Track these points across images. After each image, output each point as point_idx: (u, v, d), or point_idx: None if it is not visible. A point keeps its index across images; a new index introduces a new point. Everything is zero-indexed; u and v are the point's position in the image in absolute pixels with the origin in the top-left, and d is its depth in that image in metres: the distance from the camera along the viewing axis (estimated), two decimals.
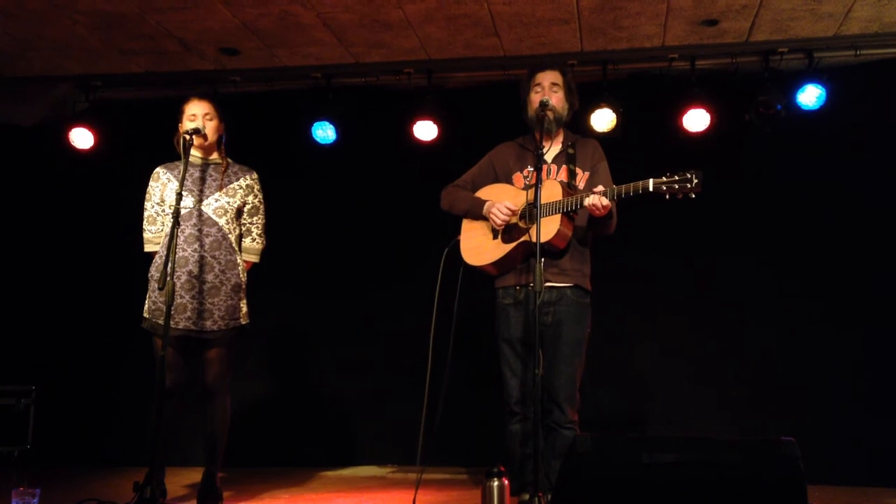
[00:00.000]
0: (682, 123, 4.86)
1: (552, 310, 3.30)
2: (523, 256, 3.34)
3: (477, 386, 4.35)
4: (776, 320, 4.90)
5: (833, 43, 4.73)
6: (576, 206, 3.19)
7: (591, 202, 3.13)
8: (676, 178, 3.03)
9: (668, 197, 3.05)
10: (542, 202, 3.14)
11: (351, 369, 5.36)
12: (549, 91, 3.45)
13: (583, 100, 3.70)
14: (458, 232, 3.55)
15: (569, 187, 3.32)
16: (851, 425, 4.66)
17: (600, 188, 3.16)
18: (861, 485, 4.43)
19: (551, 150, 3.48)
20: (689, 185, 3.01)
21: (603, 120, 4.87)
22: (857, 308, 4.81)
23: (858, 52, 4.75)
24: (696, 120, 4.84)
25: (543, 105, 3.32)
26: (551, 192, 3.24)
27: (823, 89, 4.74)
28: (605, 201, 3.13)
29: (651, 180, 3.07)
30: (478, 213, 3.45)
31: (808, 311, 4.87)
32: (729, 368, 4.89)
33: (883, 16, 4.46)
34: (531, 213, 3.20)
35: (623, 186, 3.13)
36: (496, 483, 3.04)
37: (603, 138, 3.92)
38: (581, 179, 3.41)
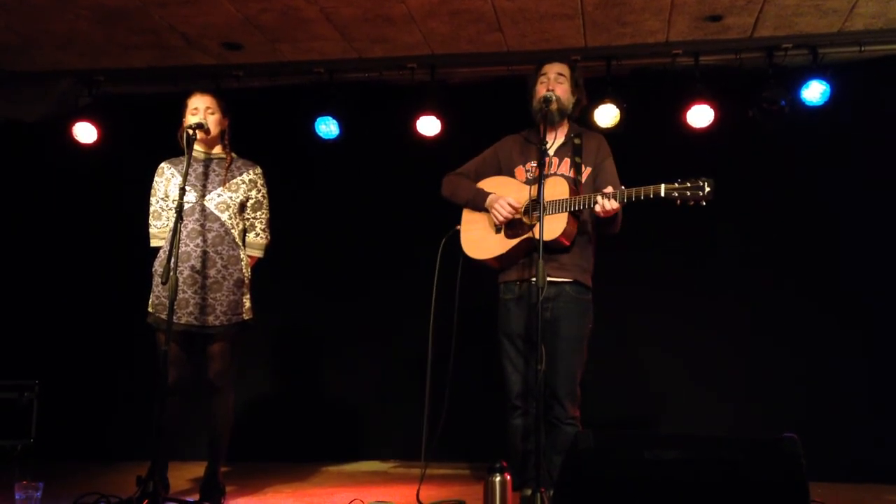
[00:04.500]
0: (685, 119, 4.85)
1: (551, 306, 3.27)
2: (526, 252, 3.33)
3: (479, 381, 4.36)
4: (778, 317, 4.89)
5: (837, 39, 4.72)
6: (583, 206, 3.18)
7: (599, 207, 3.12)
8: (688, 184, 3.01)
9: (678, 203, 3.04)
10: (549, 199, 3.13)
11: (353, 364, 5.37)
12: (553, 82, 3.42)
13: (586, 95, 3.68)
14: (460, 223, 3.54)
15: (574, 183, 3.30)
16: (853, 422, 4.66)
17: (609, 189, 3.14)
18: (863, 481, 4.43)
19: (555, 143, 3.46)
20: (700, 193, 3.00)
21: (606, 115, 4.86)
22: (859, 304, 4.80)
23: (863, 48, 4.73)
24: (700, 116, 4.83)
25: (547, 100, 3.31)
26: (557, 189, 3.22)
27: (827, 85, 4.72)
28: (614, 204, 3.11)
29: (663, 186, 3.04)
30: (480, 204, 3.44)
31: (811, 307, 4.86)
32: (730, 365, 4.89)
33: (888, 11, 4.45)
34: (536, 209, 3.18)
35: (634, 190, 3.10)
36: (498, 478, 3.04)
37: (606, 134, 3.91)
38: (584, 175, 3.39)
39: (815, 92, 4.75)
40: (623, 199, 3.11)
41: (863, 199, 4.88)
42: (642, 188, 3.08)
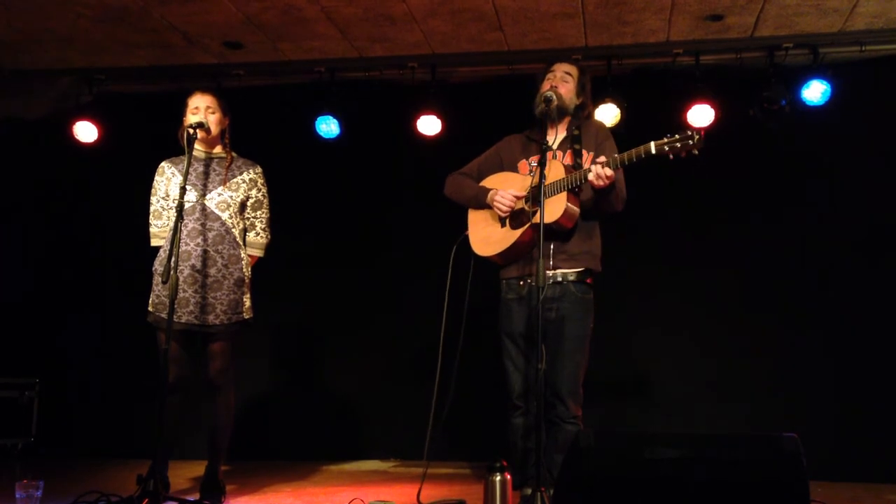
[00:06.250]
0: (686, 118, 4.85)
1: (555, 306, 3.28)
2: (533, 241, 3.30)
3: (480, 380, 4.36)
4: (778, 316, 4.89)
5: (838, 38, 4.72)
6: (579, 180, 3.18)
7: (593, 175, 3.12)
8: (678, 136, 3.01)
9: (671, 157, 3.02)
10: (547, 184, 3.13)
11: (354, 364, 5.37)
12: (559, 80, 3.43)
13: (591, 102, 3.66)
14: (464, 226, 3.54)
15: (573, 167, 3.30)
16: (853, 421, 4.66)
17: (602, 158, 3.14)
18: (862, 480, 4.43)
19: (556, 138, 3.45)
20: (690, 143, 2.98)
21: (607, 115, 4.86)
22: (859, 304, 4.80)
23: (864, 48, 4.73)
24: (701, 115, 4.83)
25: (547, 99, 3.32)
26: (555, 172, 3.23)
27: (828, 85, 4.72)
28: (608, 171, 3.10)
29: (653, 143, 3.03)
30: (482, 201, 3.44)
31: (811, 306, 4.86)
32: (731, 365, 4.89)
33: (888, 11, 4.45)
34: (536, 195, 3.18)
35: (626, 153, 3.09)
36: (499, 477, 3.04)
37: None
38: (587, 160, 3.38)
39: (815, 92, 4.75)
40: (617, 164, 3.11)
41: (863, 198, 4.88)
42: (633, 150, 3.08)
